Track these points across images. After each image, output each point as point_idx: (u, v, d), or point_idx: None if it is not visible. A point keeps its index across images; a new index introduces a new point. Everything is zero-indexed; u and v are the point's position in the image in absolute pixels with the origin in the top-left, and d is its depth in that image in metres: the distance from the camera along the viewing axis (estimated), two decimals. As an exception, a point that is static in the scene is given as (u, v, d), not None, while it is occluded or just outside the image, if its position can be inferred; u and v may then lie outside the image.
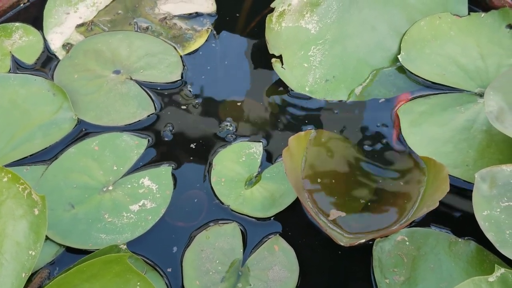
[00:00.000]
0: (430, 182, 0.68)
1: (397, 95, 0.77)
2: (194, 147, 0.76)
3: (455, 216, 0.69)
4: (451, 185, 0.63)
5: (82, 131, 0.76)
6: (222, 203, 0.70)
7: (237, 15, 0.90)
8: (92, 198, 0.69)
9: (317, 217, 0.66)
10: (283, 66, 0.81)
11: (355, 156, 0.75)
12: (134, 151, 0.74)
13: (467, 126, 0.74)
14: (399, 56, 0.81)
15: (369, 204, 0.69)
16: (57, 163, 0.72)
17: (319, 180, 0.71)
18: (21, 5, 0.90)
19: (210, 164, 0.73)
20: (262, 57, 0.84)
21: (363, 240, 0.61)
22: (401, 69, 0.82)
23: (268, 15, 0.82)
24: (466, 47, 0.81)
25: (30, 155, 0.73)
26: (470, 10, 0.86)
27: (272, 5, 0.83)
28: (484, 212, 0.61)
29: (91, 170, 0.71)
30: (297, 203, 0.69)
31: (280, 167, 0.73)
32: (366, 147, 0.76)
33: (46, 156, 0.73)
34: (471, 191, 0.62)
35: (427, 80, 0.80)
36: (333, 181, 0.71)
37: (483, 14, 0.84)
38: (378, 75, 0.81)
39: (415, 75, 0.80)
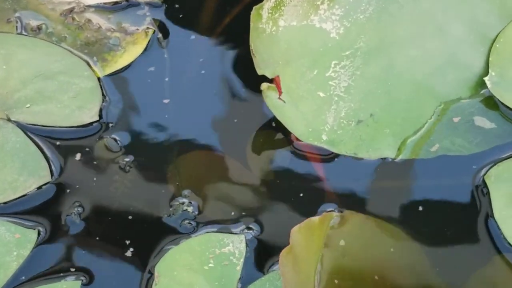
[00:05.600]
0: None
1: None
2: (121, 243, 0.71)
3: None
4: None
5: None
6: None
7: (200, 6, 0.86)
8: None
9: None
10: (281, 97, 0.76)
11: (410, 256, 0.69)
12: (12, 253, 0.68)
13: None
14: (486, 79, 0.75)
15: None
16: None
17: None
18: None
19: (151, 274, 0.69)
20: (243, 80, 0.81)
21: None
22: (491, 102, 0.76)
23: (254, 8, 0.80)
24: None
25: None
26: None
27: (260, -9, 0.85)
28: None
29: None
30: None
31: (278, 282, 0.68)
32: (431, 241, 0.69)
33: None
34: None
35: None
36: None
37: None
38: (450, 112, 0.75)
39: (515, 111, 0.83)
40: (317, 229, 0.67)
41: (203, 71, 0.82)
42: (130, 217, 0.72)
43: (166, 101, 0.81)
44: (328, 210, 0.72)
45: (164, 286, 0.68)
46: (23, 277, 0.68)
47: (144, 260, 0.70)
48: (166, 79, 0.81)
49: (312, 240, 0.67)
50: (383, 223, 0.72)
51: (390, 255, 0.70)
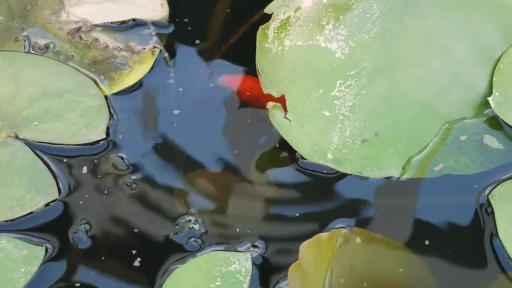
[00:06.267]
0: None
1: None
2: (128, 261, 0.71)
3: None
4: None
5: None
6: None
7: (206, 25, 0.87)
8: None
9: None
10: (286, 116, 0.76)
11: (416, 274, 0.69)
12: (20, 270, 0.68)
13: None
14: (489, 99, 0.75)
15: None
16: None
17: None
18: None
19: (158, 292, 0.74)
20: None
21: None
22: (495, 121, 0.76)
23: (260, 27, 0.80)
24: None
25: None
26: None
27: (267, 10, 0.80)
28: None
29: None
30: None
31: (285, 299, 0.73)
32: (437, 259, 0.69)
33: None
34: None
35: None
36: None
37: None
38: (454, 132, 0.75)
39: (518, 131, 0.82)
40: (326, 245, 0.66)
41: (209, 91, 0.82)
42: (136, 235, 0.72)
43: (176, 111, 0.80)
44: (336, 227, 0.72)
45: (171, 304, 0.70)
46: (32, 293, 0.71)
47: (151, 278, 0.69)
48: (172, 97, 0.81)
49: (320, 256, 0.66)
50: (390, 240, 0.72)
51: (397, 271, 0.69)
